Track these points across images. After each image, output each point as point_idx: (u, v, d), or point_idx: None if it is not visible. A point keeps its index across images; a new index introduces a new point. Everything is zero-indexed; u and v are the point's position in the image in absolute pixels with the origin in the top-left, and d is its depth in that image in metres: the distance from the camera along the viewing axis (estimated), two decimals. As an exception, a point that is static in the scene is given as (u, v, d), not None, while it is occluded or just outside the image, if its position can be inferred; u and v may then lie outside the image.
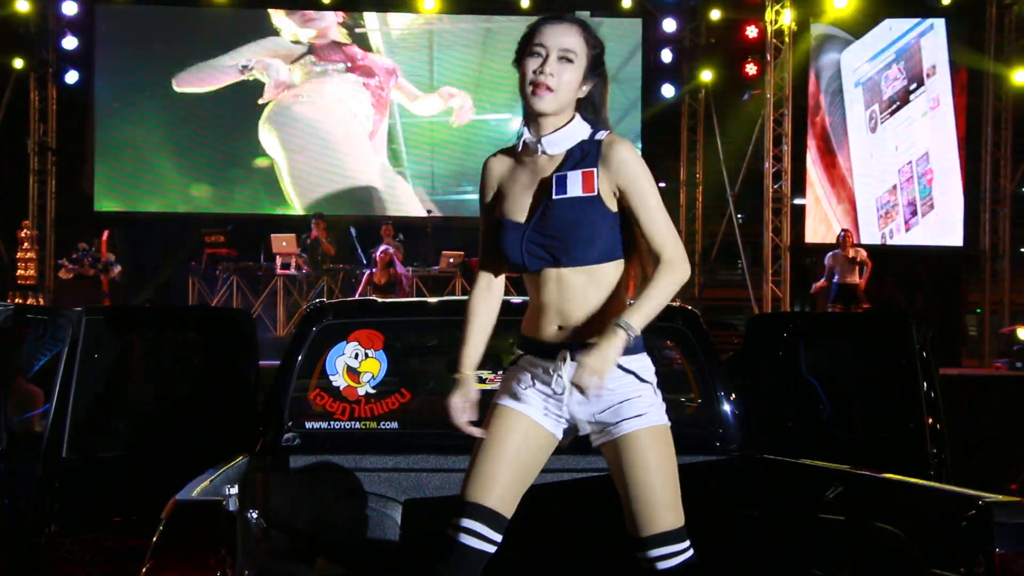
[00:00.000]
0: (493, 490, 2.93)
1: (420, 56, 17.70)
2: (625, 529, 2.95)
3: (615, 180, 2.90)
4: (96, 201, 17.18)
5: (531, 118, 2.97)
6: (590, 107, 2.99)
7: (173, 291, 15.74)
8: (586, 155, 2.93)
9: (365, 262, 14.99)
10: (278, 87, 17.36)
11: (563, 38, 2.92)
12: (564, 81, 2.90)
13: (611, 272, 2.95)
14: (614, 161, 2.90)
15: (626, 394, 2.93)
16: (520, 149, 3.02)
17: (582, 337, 2.90)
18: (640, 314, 2.84)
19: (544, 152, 2.96)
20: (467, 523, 2.91)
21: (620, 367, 2.89)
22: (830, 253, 14.72)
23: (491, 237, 3.04)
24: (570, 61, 2.91)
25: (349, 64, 17.48)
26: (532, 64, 2.90)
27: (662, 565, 2.90)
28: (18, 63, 16.36)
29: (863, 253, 14.57)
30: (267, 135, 17.36)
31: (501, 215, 3.01)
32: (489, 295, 3.15)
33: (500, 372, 4.26)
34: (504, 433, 2.98)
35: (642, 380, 2.96)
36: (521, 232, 2.93)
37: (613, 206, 2.92)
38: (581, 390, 2.78)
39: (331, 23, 17.50)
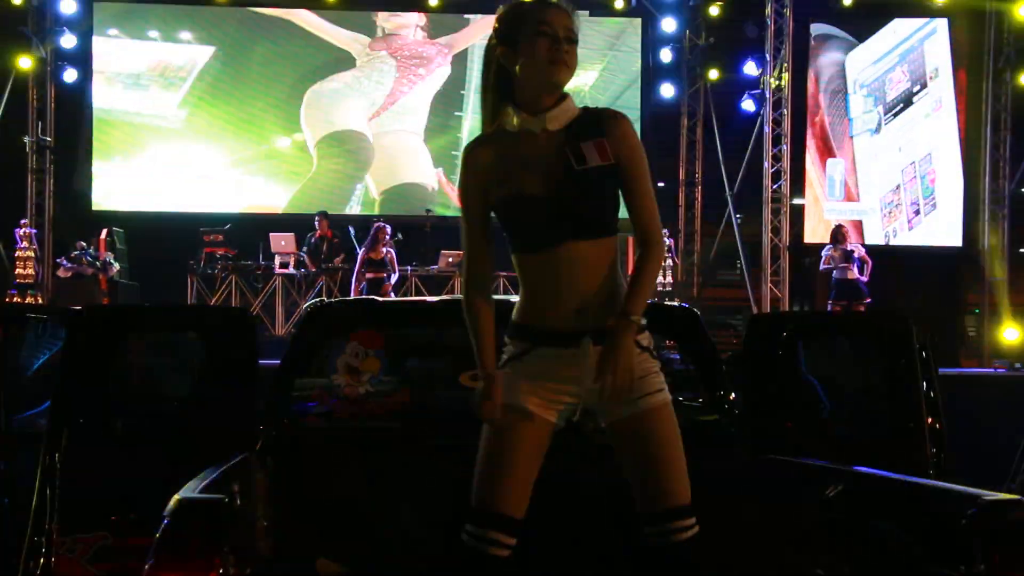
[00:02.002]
0: (511, 496, 2.95)
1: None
2: (638, 504, 2.98)
3: (618, 151, 2.94)
4: (94, 200, 17.17)
5: (527, 99, 2.97)
6: None
7: (171, 290, 15.73)
8: (587, 127, 2.96)
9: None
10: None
11: (566, 20, 2.97)
12: (575, 59, 2.96)
13: (614, 247, 3.00)
14: (617, 134, 2.96)
15: (643, 370, 2.95)
16: (508, 131, 3.00)
17: (600, 320, 2.92)
18: (641, 300, 2.92)
19: (545, 128, 2.96)
20: (490, 534, 2.93)
21: (638, 345, 2.94)
22: (826, 249, 14.69)
23: (504, 217, 3.01)
24: (574, 42, 2.97)
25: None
26: (545, 43, 2.92)
27: (679, 538, 2.94)
28: (17, 62, 16.35)
29: (860, 249, 14.52)
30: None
31: (512, 193, 2.97)
32: (486, 291, 3.14)
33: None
34: (518, 435, 2.97)
35: (652, 357, 3.00)
36: (543, 204, 2.92)
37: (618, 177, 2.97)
38: (617, 393, 2.84)
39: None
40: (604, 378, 2.84)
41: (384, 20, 17.81)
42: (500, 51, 3.01)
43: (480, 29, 17.48)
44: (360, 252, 14.24)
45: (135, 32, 17.43)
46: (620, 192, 2.99)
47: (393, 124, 17.81)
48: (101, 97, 17.27)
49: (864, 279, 14.26)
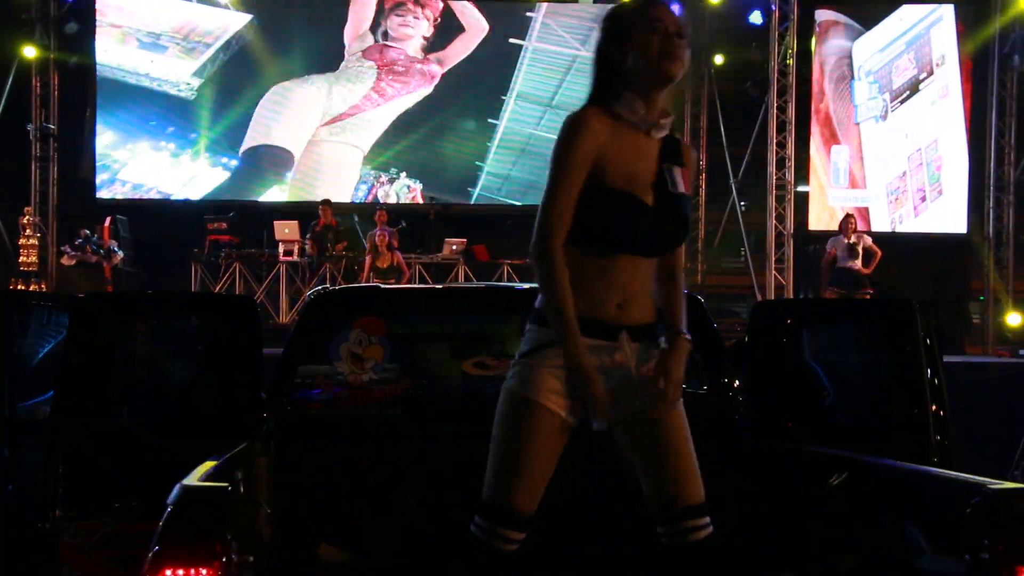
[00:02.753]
0: (527, 495, 2.93)
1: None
2: (653, 504, 2.97)
3: (687, 177, 3.04)
4: (98, 188, 17.17)
5: (642, 93, 2.94)
6: None
7: (175, 278, 15.74)
8: (673, 150, 3.01)
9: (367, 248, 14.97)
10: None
11: (675, 19, 2.97)
12: (686, 53, 2.96)
13: None
14: (689, 162, 3.08)
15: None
16: (622, 116, 2.96)
17: (637, 318, 2.97)
18: (685, 315, 3.08)
19: (649, 132, 2.97)
20: (500, 530, 2.91)
21: (656, 345, 3.00)
22: (831, 239, 14.66)
23: (611, 211, 2.91)
24: (684, 37, 2.96)
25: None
26: (656, 38, 2.91)
27: (695, 536, 2.93)
28: (29, 51, 16.35)
29: (867, 240, 14.47)
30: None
31: (624, 189, 2.92)
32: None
33: (503, 358, 4.27)
34: (543, 436, 2.91)
35: None
36: (648, 214, 2.94)
37: None
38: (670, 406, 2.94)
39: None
40: (661, 389, 2.91)
41: (394, 24, 17.63)
42: (610, 48, 2.98)
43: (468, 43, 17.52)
44: (366, 260, 14.25)
45: (138, 19, 17.27)
46: None
47: (340, 136, 17.62)
48: (108, 54, 17.11)
49: (866, 271, 14.22)
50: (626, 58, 2.93)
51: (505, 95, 17.61)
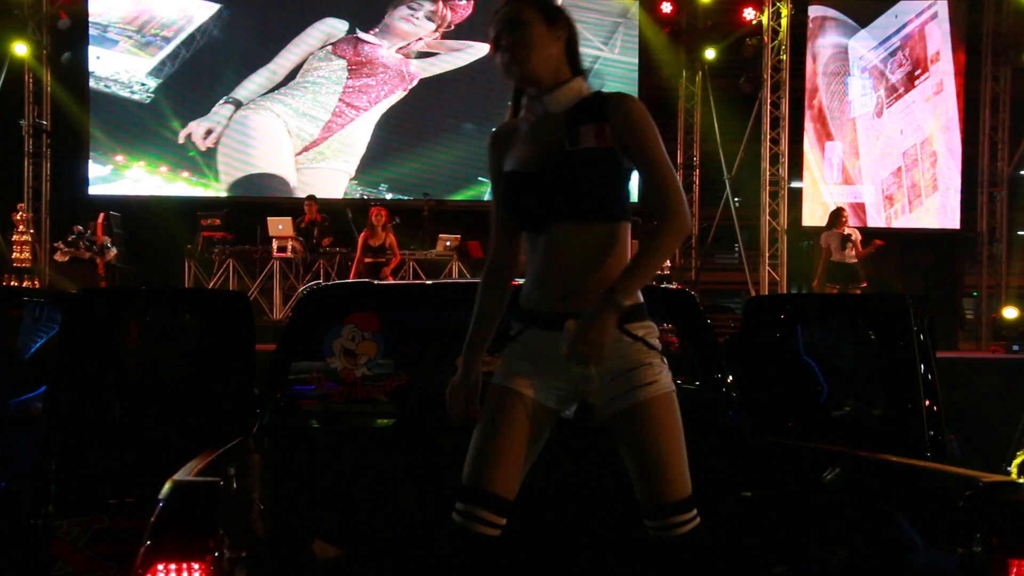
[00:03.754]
0: (500, 476, 2.92)
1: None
2: (640, 499, 2.95)
3: (621, 133, 2.89)
4: (91, 184, 17.14)
5: (523, 90, 3.04)
6: (575, 58, 3.04)
7: (169, 274, 15.71)
8: (590, 110, 2.93)
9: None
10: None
11: (503, 12, 2.98)
12: (518, 43, 2.94)
13: (619, 234, 2.95)
14: (619, 113, 2.91)
15: (637, 360, 2.92)
16: (522, 115, 3.05)
17: (586, 305, 2.87)
18: (632, 279, 2.84)
19: (547, 110, 2.97)
20: (477, 511, 2.90)
21: (629, 334, 2.91)
22: (824, 233, 14.67)
23: (501, 194, 3.02)
24: (515, 25, 2.95)
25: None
26: (496, 46, 2.98)
27: (678, 532, 2.91)
28: (20, 48, 16.31)
29: (857, 233, 14.48)
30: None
31: (511, 170, 2.99)
32: (499, 275, 3.13)
33: (498, 354, 4.26)
34: (510, 417, 2.94)
35: (650, 346, 2.95)
36: (536, 182, 2.92)
37: (626, 163, 2.92)
38: (580, 360, 2.79)
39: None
40: (571, 347, 2.79)
41: (396, 16, 17.35)
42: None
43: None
44: (359, 237, 14.21)
45: (131, 16, 17.02)
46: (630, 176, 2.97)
47: (323, 162, 17.36)
48: (98, 80, 17.18)
49: (862, 253, 14.22)
50: None
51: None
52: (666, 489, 2.91)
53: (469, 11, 17.34)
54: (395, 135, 17.41)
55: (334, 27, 17.24)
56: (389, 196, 17.40)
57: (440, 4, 17.36)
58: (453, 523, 2.94)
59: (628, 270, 2.86)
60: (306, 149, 17.20)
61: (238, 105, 16.94)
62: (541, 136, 2.96)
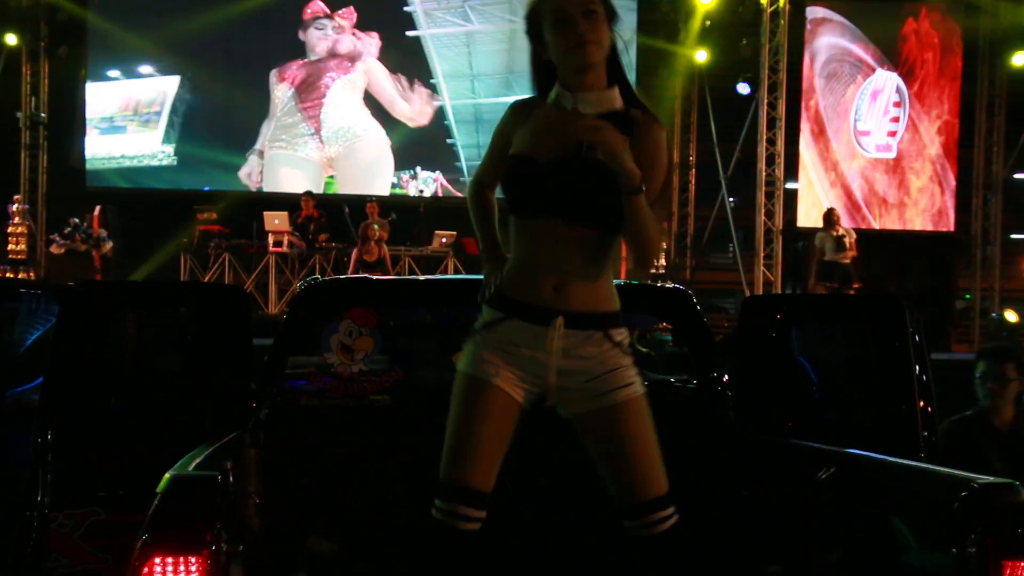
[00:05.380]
0: (477, 469, 2.92)
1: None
2: (616, 497, 2.96)
3: (640, 157, 2.86)
4: (88, 176, 17.12)
5: (567, 83, 2.96)
6: (618, 69, 3.00)
7: (164, 268, 15.70)
8: (618, 127, 2.88)
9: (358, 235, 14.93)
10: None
11: (578, 3, 2.90)
12: (599, 31, 2.90)
13: (614, 245, 2.97)
14: (647, 140, 2.91)
15: (614, 363, 2.94)
16: (551, 106, 3.00)
17: (576, 304, 2.90)
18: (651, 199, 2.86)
19: (576, 108, 2.92)
20: (456, 507, 2.91)
21: (608, 338, 2.94)
22: (818, 234, 14.69)
23: (506, 172, 3.02)
24: (594, 12, 2.91)
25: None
26: (563, 31, 2.90)
27: (656, 530, 2.92)
28: (10, 38, 16.28)
29: (853, 234, 14.50)
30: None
31: (525, 152, 2.97)
32: (492, 190, 3.23)
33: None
34: (483, 407, 2.94)
35: (624, 352, 2.98)
36: (538, 172, 2.91)
37: None
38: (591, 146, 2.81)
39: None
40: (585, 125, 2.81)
41: (313, 38, 17.75)
42: (534, 47, 3.02)
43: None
44: (353, 252, 14.25)
45: (129, 6, 17.28)
46: None
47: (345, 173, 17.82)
48: (95, 72, 17.22)
49: (853, 254, 14.25)
50: (546, 54, 2.98)
51: (434, 79, 17.89)
52: (644, 487, 2.93)
53: (355, 14, 17.85)
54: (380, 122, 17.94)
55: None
56: (418, 173, 17.83)
57: (337, 18, 17.80)
58: (434, 520, 2.95)
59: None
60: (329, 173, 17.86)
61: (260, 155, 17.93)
62: (561, 131, 2.90)
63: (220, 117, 17.70)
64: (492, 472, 2.95)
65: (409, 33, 17.89)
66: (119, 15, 17.12)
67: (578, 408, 2.98)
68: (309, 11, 17.72)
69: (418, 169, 17.93)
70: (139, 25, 17.20)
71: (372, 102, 17.87)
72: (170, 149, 17.57)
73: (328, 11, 17.72)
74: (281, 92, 17.69)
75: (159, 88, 17.53)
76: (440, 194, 17.74)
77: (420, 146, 18.02)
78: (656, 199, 2.90)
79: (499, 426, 2.95)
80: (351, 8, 17.75)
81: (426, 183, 17.90)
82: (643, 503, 2.92)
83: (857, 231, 15.05)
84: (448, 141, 17.98)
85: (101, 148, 17.47)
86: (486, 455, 2.94)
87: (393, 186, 17.93)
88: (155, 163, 17.53)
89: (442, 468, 2.97)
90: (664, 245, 16.73)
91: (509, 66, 17.37)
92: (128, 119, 17.46)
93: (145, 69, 17.57)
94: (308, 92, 17.73)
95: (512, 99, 3.17)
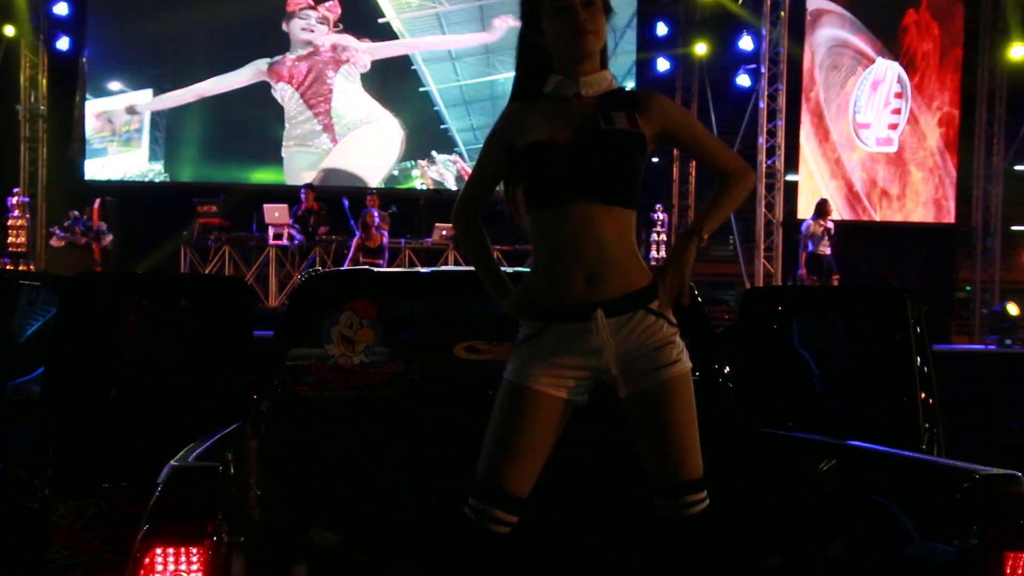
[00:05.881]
0: (516, 475, 2.93)
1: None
2: (651, 476, 2.96)
3: (662, 127, 3.01)
4: (86, 169, 17.11)
5: (565, 71, 3.01)
6: (604, 53, 3.07)
7: (165, 261, 15.69)
8: (621, 101, 3.01)
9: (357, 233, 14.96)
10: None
11: None
12: (598, 21, 2.98)
13: (630, 222, 3.00)
14: (657, 109, 3.02)
15: (662, 339, 2.95)
16: (547, 98, 3.04)
17: (612, 291, 2.91)
18: (714, 220, 3.07)
19: (579, 93, 2.98)
20: (490, 509, 2.92)
21: (650, 311, 2.95)
22: (807, 221, 14.72)
23: (526, 159, 3.00)
24: (593, 3, 2.98)
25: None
26: (564, 19, 2.95)
27: (689, 512, 2.94)
28: (9, 30, 16.26)
29: (831, 227, 14.62)
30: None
31: (539, 140, 2.98)
32: (469, 215, 3.23)
33: (496, 342, 4.26)
34: (526, 416, 2.93)
35: (671, 323, 3.00)
36: (566, 154, 2.93)
37: (647, 153, 3.00)
38: (670, 300, 2.93)
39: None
40: (661, 284, 2.92)
41: (296, 29, 17.57)
42: (529, 35, 3.06)
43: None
44: (354, 240, 14.25)
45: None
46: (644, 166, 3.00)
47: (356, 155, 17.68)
48: (94, 65, 17.21)
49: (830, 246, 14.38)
50: (543, 42, 3.02)
51: (414, 64, 17.78)
52: (683, 468, 2.93)
53: (339, 9, 17.66)
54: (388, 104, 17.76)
55: (257, 66, 17.57)
56: (437, 158, 17.74)
57: (322, 8, 17.61)
58: (465, 518, 2.95)
59: (710, 211, 3.09)
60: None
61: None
62: (571, 114, 2.98)
63: (208, 123, 17.45)
64: (529, 479, 2.95)
65: (380, 20, 17.72)
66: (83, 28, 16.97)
67: (632, 388, 2.96)
68: (293, 2, 17.53)
69: (434, 153, 17.75)
70: (105, 40, 17.11)
71: (372, 87, 17.71)
72: (159, 167, 17.41)
73: (312, 2, 17.52)
74: (281, 92, 17.45)
75: (132, 106, 17.28)
76: (465, 176, 17.62)
77: (434, 128, 17.86)
78: (717, 147, 3.13)
79: (542, 432, 2.95)
80: (335, 1, 17.58)
81: (446, 166, 17.71)
82: (680, 483, 2.93)
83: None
84: (442, 127, 17.81)
85: (88, 169, 17.28)
86: (526, 461, 2.94)
87: (405, 175, 17.76)
88: (158, 179, 17.41)
89: (480, 468, 2.97)
90: (665, 238, 16.74)
91: (485, 45, 17.19)
92: (108, 140, 17.25)
93: (114, 85, 17.28)
94: (311, 88, 17.53)
95: (495, 77, 3.20)
